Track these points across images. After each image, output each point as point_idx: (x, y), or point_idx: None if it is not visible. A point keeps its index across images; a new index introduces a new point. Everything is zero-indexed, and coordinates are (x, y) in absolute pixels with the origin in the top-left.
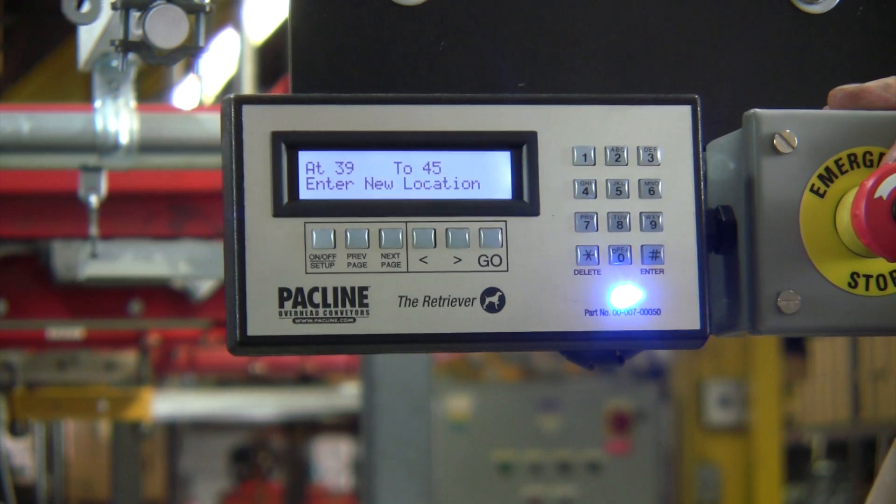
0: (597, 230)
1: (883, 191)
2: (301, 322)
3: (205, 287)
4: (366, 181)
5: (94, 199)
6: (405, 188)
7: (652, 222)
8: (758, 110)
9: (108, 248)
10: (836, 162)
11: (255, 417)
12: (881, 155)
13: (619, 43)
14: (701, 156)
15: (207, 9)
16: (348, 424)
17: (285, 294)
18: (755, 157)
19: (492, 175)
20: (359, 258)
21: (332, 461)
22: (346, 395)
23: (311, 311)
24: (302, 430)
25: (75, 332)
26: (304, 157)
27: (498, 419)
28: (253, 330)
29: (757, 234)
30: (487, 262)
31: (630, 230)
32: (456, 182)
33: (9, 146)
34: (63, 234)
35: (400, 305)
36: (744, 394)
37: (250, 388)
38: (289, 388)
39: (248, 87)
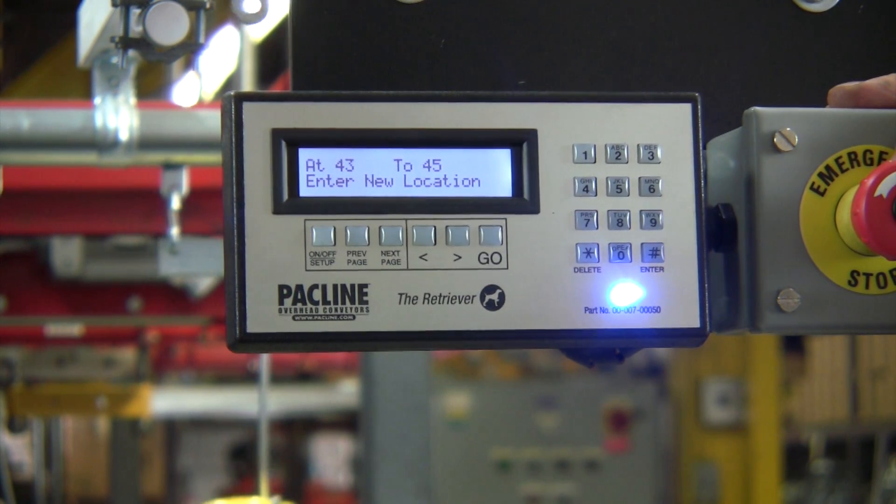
0: (597, 228)
1: (883, 189)
2: (301, 319)
3: (204, 284)
4: (366, 178)
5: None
6: (405, 185)
7: (652, 220)
8: (758, 108)
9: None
10: (837, 160)
11: (253, 415)
12: (881, 153)
13: (620, 41)
14: (701, 154)
15: (207, 5)
16: (347, 422)
17: (285, 291)
18: (755, 155)
19: (492, 173)
20: (359, 255)
21: (330, 459)
22: (345, 392)
23: (311, 309)
24: (301, 427)
25: (74, 328)
26: (305, 155)
27: (496, 417)
28: (253, 327)
29: (757, 232)
30: (487, 259)
31: (630, 228)
32: (456, 180)
33: (8, 143)
34: (62, 231)
35: (400, 303)
36: (742, 392)
37: (249, 386)
38: (288, 385)
39: (247, 85)
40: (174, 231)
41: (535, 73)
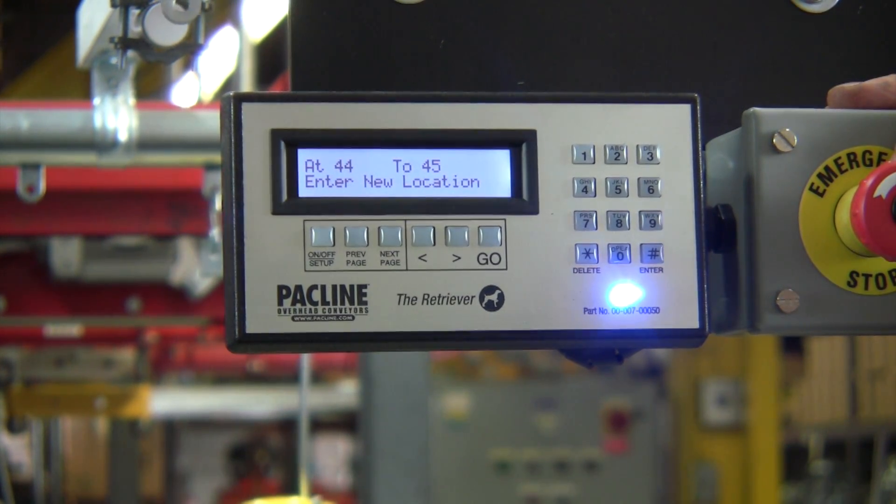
0: (596, 228)
1: (882, 190)
2: (300, 319)
3: (203, 284)
4: (365, 179)
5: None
6: (404, 186)
7: (651, 221)
8: (757, 109)
9: None
10: (836, 161)
11: (252, 415)
12: (881, 154)
13: (619, 41)
14: (700, 154)
15: (207, 6)
16: (346, 423)
17: (284, 292)
18: (755, 155)
19: (491, 173)
20: (358, 256)
21: (329, 459)
22: (344, 393)
23: (310, 309)
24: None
25: (73, 329)
26: (304, 155)
27: (495, 418)
28: (252, 327)
29: (756, 232)
30: (486, 260)
31: (629, 229)
32: (455, 180)
33: (8, 143)
34: (61, 232)
35: (399, 303)
36: (741, 393)
37: (248, 386)
38: (286, 385)
39: (246, 85)
40: (215, 232)
41: (534, 73)
